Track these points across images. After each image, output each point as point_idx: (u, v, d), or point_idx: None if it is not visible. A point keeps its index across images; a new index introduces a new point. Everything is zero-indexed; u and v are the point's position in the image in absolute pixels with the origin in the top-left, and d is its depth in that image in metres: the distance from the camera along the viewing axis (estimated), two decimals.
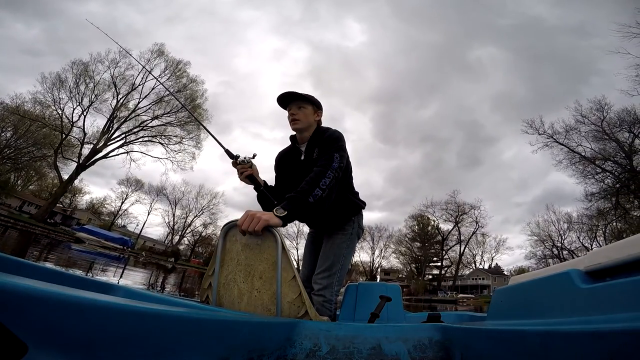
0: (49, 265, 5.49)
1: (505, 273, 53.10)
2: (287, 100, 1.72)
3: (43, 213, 29.76)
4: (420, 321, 1.92)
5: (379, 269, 60.94)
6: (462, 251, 52.59)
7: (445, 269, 56.37)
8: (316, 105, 1.77)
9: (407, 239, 56.37)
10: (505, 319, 1.22)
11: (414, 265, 57.74)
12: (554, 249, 40.17)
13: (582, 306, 0.83)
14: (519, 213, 73.63)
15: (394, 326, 1.09)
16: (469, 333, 0.90)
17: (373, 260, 59.29)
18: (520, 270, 48.61)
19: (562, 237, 40.14)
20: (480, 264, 56.03)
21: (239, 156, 1.66)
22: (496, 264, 55.86)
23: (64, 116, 30.34)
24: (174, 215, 51.68)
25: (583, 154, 27.47)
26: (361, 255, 58.91)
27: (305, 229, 2.33)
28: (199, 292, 1.49)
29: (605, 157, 26.27)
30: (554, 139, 28.58)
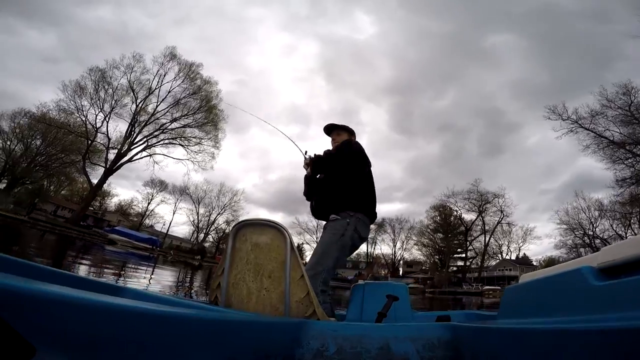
0: (82, 266, 5.80)
1: (534, 263, 51.18)
2: (330, 129, 2.42)
3: (77, 217, 31.30)
4: (429, 320, 1.90)
5: (401, 262, 60.33)
6: (487, 241, 50.88)
7: (470, 260, 54.78)
8: (349, 132, 2.38)
9: (429, 230, 55.13)
10: (516, 318, 1.19)
11: (437, 257, 56.61)
12: (586, 238, 38.22)
13: (595, 304, 0.79)
14: (546, 201, 70.69)
15: (403, 326, 1.08)
16: (478, 332, 0.89)
17: (395, 253, 58.73)
18: (550, 261, 46.70)
19: (593, 225, 38.12)
20: (507, 254, 54.18)
21: (307, 152, 2.35)
22: (524, 254, 53.83)
23: (87, 122, 31.58)
24: (197, 213, 52.99)
25: (611, 138, 25.94)
26: (382, 247, 58.54)
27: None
28: (208, 291, 1.53)
29: (636, 142, 24.72)
30: (579, 124, 27.17)
